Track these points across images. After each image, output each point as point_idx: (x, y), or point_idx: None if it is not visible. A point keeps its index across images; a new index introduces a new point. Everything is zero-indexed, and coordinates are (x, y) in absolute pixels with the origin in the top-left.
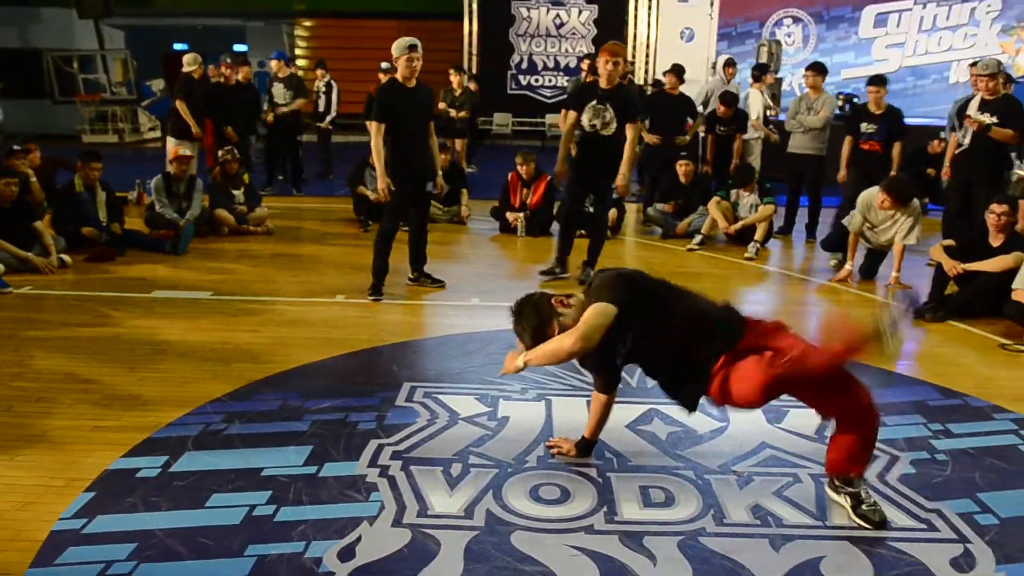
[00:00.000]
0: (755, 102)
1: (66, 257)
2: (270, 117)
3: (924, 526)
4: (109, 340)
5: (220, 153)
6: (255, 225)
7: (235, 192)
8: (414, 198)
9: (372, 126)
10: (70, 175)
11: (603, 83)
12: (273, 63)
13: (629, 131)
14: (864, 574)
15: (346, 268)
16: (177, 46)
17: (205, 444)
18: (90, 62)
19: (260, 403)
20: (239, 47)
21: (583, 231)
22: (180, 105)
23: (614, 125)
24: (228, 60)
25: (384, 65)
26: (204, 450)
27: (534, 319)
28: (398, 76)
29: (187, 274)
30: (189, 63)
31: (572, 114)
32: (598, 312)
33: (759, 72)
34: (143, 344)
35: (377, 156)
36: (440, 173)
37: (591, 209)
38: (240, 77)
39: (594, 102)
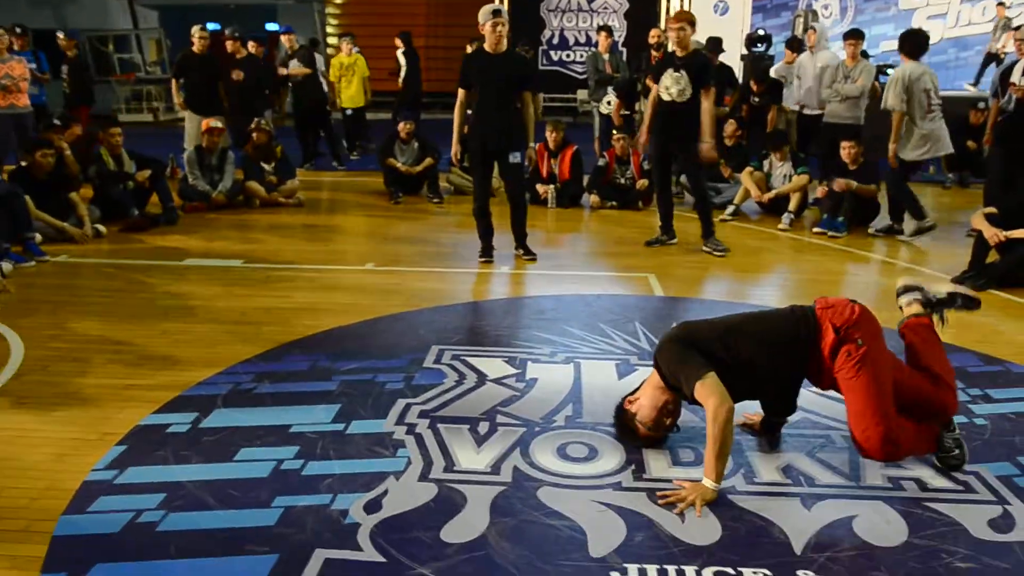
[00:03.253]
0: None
1: (101, 227)
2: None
3: (962, 488)
4: (142, 305)
5: (252, 126)
6: (286, 197)
7: (265, 166)
8: (491, 168)
9: (459, 93)
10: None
11: (678, 51)
12: (284, 38)
13: (704, 98)
14: (899, 534)
15: (377, 238)
16: (210, 25)
17: (235, 402)
18: (125, 42)
19: (289, 364)
20: (271, 26)
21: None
22: (173, 84)
23: (689, 91)
24: (235, 34)
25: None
26: (233, 407)
27: (625, 429)
28: (485, 44)
29: (219, 243)
30: (192, 36)
31: (654, 85)
32: (708, 386)
33: (796, 44)
34: (175, 308)
35: (456, 123)
36: (531, 146)
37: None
38: (252, 51)
39: (671, 70)
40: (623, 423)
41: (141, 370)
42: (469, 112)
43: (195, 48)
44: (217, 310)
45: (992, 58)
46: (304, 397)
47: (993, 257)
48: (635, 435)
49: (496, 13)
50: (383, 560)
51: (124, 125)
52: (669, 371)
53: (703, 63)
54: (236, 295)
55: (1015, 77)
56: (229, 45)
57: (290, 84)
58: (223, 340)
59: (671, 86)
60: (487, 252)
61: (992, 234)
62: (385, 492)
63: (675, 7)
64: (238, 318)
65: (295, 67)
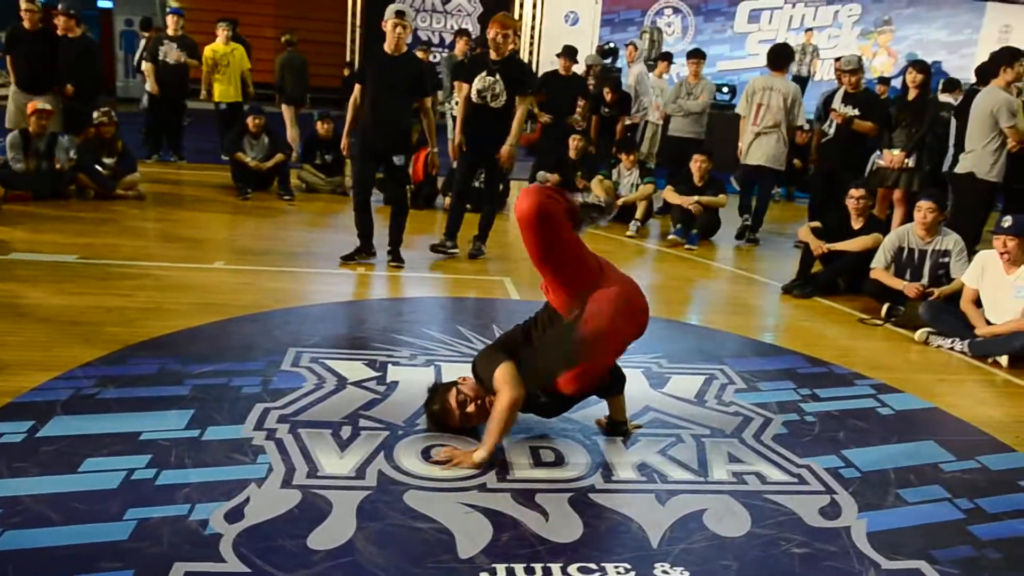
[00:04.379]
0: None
1: None
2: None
3: (796, 480)
4: None
5: (96, 115)
6: (125, 189)
7: (107, 160)
8: (376, 169)
9: (355, 88)
10: None
11: (493, 55)
12: (170, 19)
13: (519, 104)
14: (743, 523)
15: (225, 235)
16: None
17: (76, 408)
18: None
19: (136, 367)
20: (104, 3)
21: (469, 206)
22: (8, 60)
23: (503, 97)
24: (69, 11)
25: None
26: (75, 415)
27: (440, 395)
28: (385, 43)
29: (49, 236)
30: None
31: (466, 86)
32: (505, 370)
33: (660, 59)
34: (1, 307)
35: (348, 117)
36: (433, 151)
37: (480, 184)
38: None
39: (484, 73)
40: (442, 401)
41: None
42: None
43: (25, 23)
44: (50, 309)
45: (799, 80)
46: (154, 402)
47: (818, 267)
48: (445, 413)
49: (399, 14)
50: (248, 571)
51: None
52: (481, 372)
53: (518, 69)
54: (71, 293)
55: (835, 104)
56: (61, 22)
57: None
58: (59, 342)
59: (483, 90)
60: (365, 249)
61: (817, 246)
62: (247, 500)
63: (527, 13)
64: (75, 318)
65: (175, 53)
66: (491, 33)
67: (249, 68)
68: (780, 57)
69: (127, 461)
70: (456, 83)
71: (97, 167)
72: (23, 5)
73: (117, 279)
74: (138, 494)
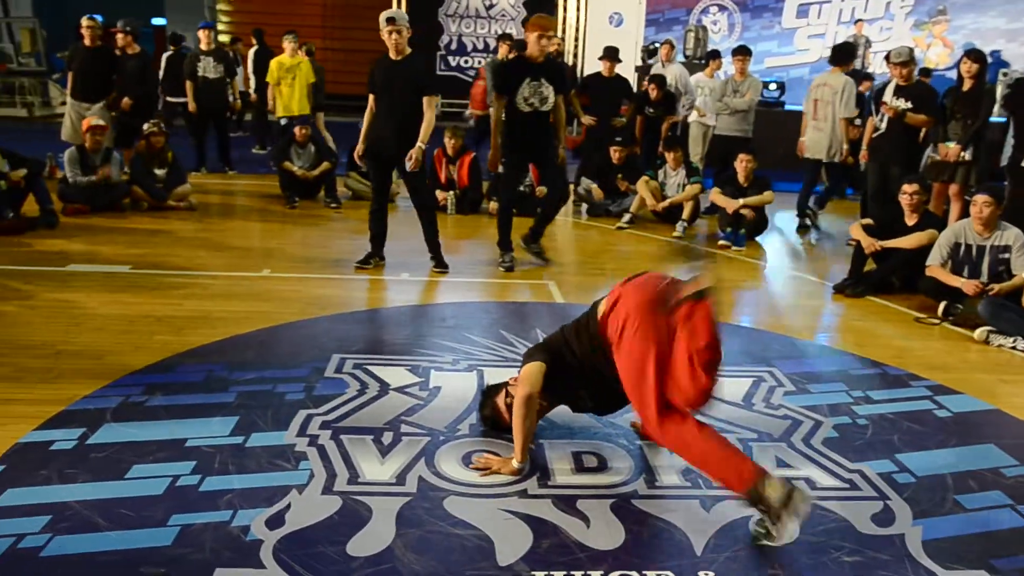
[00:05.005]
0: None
1: None
2: (238, 104)
3: (847, 485)
4: (21, 314)
5: (146, 126)
6: (177, 201)
7: (158, 171)
8: (388, 173)
9: (369, 98)
10: None
11: (537, 58)
12: (202, 33)
13: (560, 103)
14: (792, 532)
15: (273, 244)
16: (92, 16)
17: (125, 416)
18: None
19: (183, 375)
20: (157, 20)
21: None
22: (69, 78)
23: (551, 99)
24: (126, 28)
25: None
26: (124, 422)
27: (490, 397)
28: (389, 50)
29: (105, 248)
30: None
31: (501, 98)
32: (526, 369)
33: (709, 57)
34: (58, 317)
35: (364, 125)
36: (419, 146)
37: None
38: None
39: (528, 80)
40: (491, 404)
41: (20, 384)
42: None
43: (85, 40)
44: (104, 319)
45: (856, 74)
46: (200, 409)
47: (871, 266)
48: (496, 415)
49: (389, 20)
50: None
51: None
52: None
53: (559, 69)
54: (124, 303)
55: (887, 97)
56: (119, 39)
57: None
58: (111, 351)
59: (531, 96)
60: (374, 255)
61: (869, 244)
62: (288, 506)
63: (571, 18)
64: (127, 327)
65: (210, 67)
66: (532, 36)
67: (314, 81)
68: (840, 53)
69: (173, 468)
70: (494, 96)
71: (150, 179)
72: (84, 23)
73: (168, 288)
74: (182, 500)
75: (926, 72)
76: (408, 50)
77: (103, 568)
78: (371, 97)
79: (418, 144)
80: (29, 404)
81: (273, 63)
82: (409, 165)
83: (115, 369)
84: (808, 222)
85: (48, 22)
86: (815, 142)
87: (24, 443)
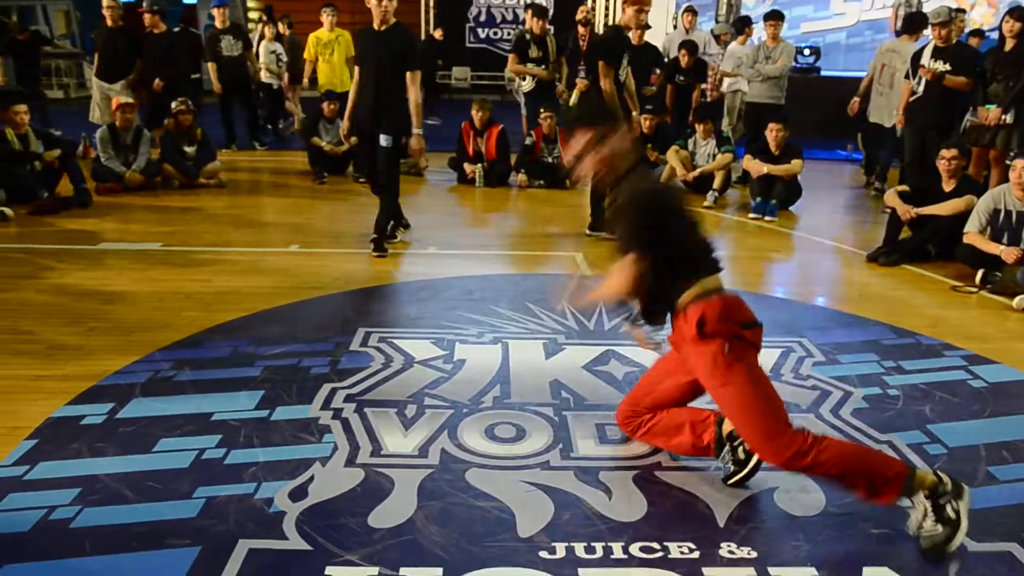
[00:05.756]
0: (731, 55)
1: (7, 210)
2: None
3: None
4: (53, 292)
5: (174, 104)
6: (207, 178)
7: (188, 149)
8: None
9: (355, 70)
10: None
11: (632, 34)
12: (217, 12)
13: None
14: (817, 503)
15: (301, 219)
16: None
17: (153, 391)
18: (29, 13)
19: (210, 350)
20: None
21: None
22: (96, 60)
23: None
24: (153, 7)
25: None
26: (152, 396)
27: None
28: (373, 20)
29: (135, 226)
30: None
31: (610, 69)
32: (628, 268)
33: (741, 24)
34: (89, 295)
35: (350, 100)
36: (416, 129)
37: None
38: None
39: (625, 56)
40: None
41: (52, 360)
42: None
43: (107, 21)
44: (134, 296)
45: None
46: (226, 384)
47: (906, 233)
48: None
49: None
50: (309, 548)
51: (30, 101)
52: (622, 230)
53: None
54: (154, 280)
55: (924, 60)
56: (147, 19)
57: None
58: (141, 327)
59: (620, 69)
60: (397, 223)
61: (904, 211)
62: (311, 479)
63: None
64: (157, 304)
65: (231, 44)
66: (631, 10)
67: (353, 55)
68: (911, 23)
69: (199, 441)
70: (601, 65)
71: (180, 157)
72: (104, 3)
73: (197, 265)
74: (208, 473)
75: (978, 33)
76: (392, 20)
77: (131, 538)
78: (357, 70)
79: (415, 133)
80: (61, 380)
81: (311, 38)
82: (413, 158)
83: (145, 345)
84: (877, 182)
85: (82, 4)
86: (879, 107)
87: (56, 418)
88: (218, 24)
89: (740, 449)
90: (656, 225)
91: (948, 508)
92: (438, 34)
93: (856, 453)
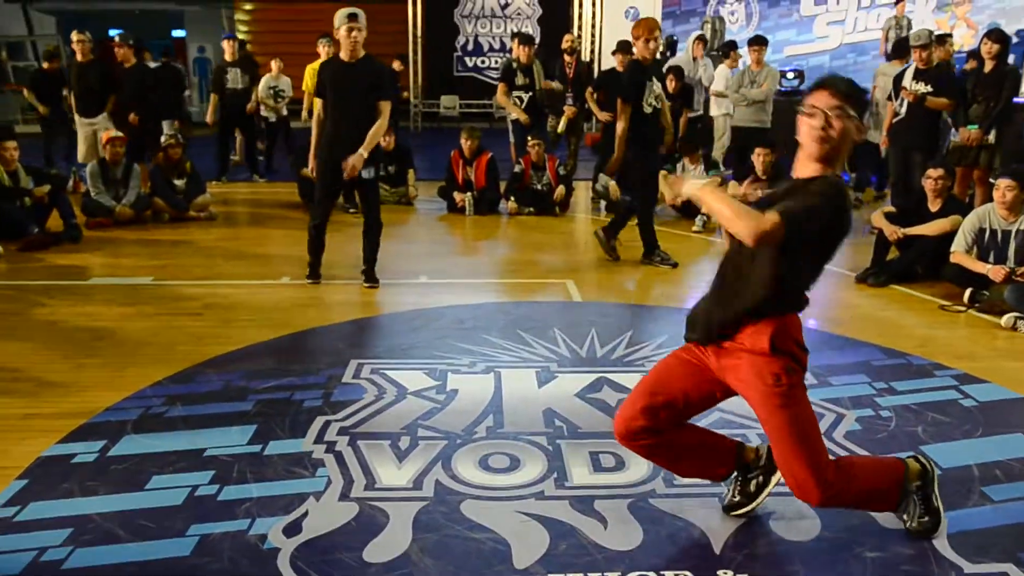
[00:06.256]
0: (720, 78)
1: None
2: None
3: None
4: (43, 327)
5: (163, 138)
6: (197, 211)
7: (177, 182)
8: (340, 188)
9: (315, 103)
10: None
11: (647, 59)
12: (226, 44)
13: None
14: (812, 527)
15: (291, 251)
16: (112, 32)
17: (145, 427)
18: (19, 49)
19: (202, 385)
20: (178, 32)
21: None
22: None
23: (659, 95)
24: (128, 41)
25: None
26: (144, 433)
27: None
28: (340, 51)
29: (126, 261)
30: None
31: (627, 106)
32: (767, 221)
33: (727, 49)
34: (80, 331)
35: (313, 135)
36: (363, 151)
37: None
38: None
39: (649, 83)
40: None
41: (42, 398)
42: None
43: (77, 56)
44: (125, 331)
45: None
46: (218, 419)
47: (894, 254)
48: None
49: (351, 17)
50: None
51: (20, 137)
52: (795, 203)
53: (660, 65)
54: (145, 315)
55: (906, 81)
56: (119, 52)
57: (221, 93)
58: (132, 362)
59: (649, 98)
60: (314, 272)
61: (891, 231)
62: (305, 514)
63: (587, 14)
64: (148, 339)
65: (238, 78)
66: (640, 42)
67: None
68: (898, 49)
69: (191, 478)
70: (619, 103)
71: (170, 190)
72: (74, 37)
73: (188, 299)
74: (201, 510)
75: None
76: (362, 52)
77: None
78: (318, 102)
79: (359, 151)
80: (52, 418)
81: (308, 69)
82: (345, 173)
83: (136, 381)
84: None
85: (70, 41)
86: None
87: (47, 456)
88: (227, 57)
89: (753, 483)
90: (823, 227)
91: (933, 497)
92: (397, 65)
93: (867, 475)
